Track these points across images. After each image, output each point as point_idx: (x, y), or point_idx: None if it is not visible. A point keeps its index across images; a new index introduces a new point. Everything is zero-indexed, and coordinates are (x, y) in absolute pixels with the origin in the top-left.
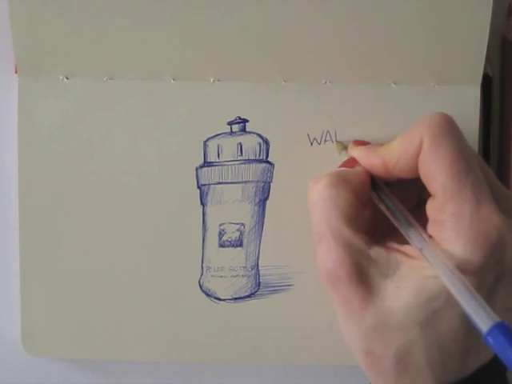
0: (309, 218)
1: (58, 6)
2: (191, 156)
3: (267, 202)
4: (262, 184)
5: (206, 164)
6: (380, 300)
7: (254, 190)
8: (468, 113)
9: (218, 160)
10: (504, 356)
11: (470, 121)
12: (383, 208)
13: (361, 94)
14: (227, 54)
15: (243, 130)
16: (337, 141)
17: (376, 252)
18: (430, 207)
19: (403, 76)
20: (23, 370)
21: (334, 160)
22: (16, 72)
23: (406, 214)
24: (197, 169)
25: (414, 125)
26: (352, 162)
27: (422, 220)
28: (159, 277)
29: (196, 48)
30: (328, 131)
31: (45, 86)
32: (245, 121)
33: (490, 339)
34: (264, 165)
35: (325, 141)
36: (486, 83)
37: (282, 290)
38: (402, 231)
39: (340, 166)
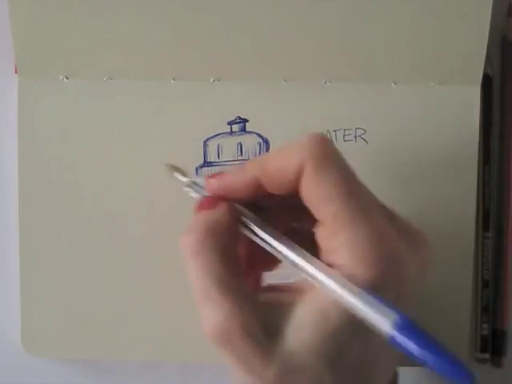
0: None
1: (57, 6)
2: (191, 156)
3: None
4: None
5: (206, 164)
6: (280, 348)
7: None
8: (468, 113)
9: (218, 160)
10: (415, 352)
11: (469, 121)
12: (261, 243)
13: (361, 93)
14: (227, 53)
15: (243, 129)
16: (166, 163)
17: (265, 298)
18: (321, 234)
19: (403, 76)
20: (23, 370)
21: None
22: (16, 72)
23: (292, 246)
24: (197, 169)
25: (290, 144)
26: (212, 202)
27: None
28: (159, 277)
29: (196, 48)
30: (328, 131)
31: (45, 86)
32: (245, 121)
33: (395, 339)
34: None
35: None
36: (486, 83)
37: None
38: (289, 264)
39: (199, 209)
